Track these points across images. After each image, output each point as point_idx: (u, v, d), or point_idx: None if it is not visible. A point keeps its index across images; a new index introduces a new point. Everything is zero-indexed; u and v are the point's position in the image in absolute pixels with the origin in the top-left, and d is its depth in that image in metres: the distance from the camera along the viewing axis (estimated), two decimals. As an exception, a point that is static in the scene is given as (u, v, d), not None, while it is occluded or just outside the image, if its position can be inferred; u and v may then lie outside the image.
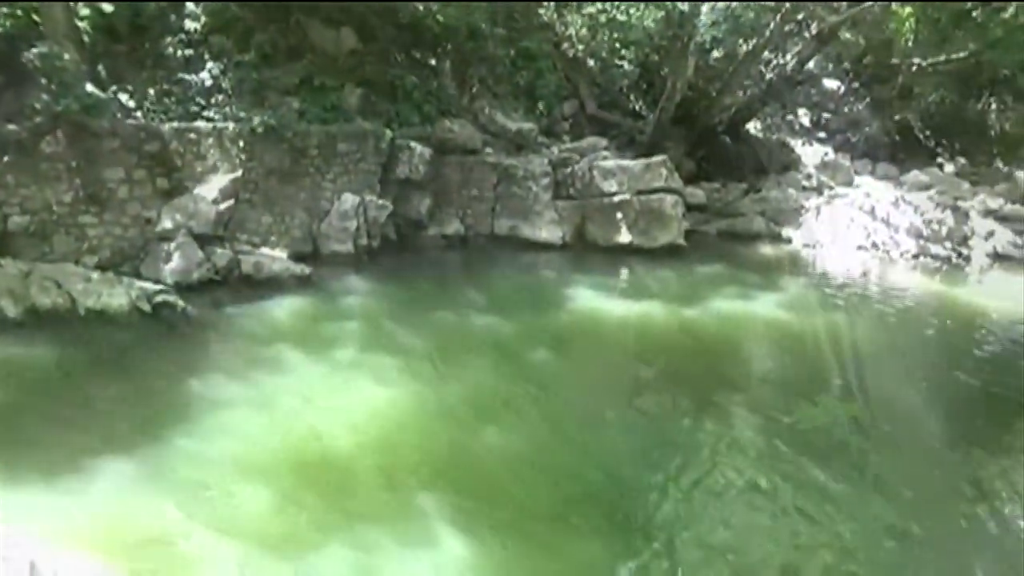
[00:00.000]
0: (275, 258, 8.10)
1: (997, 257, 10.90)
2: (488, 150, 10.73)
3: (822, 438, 5.35)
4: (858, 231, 11.26)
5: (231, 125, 8.47)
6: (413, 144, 9.65)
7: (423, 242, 9.86)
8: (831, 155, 16.60)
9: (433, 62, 11.33)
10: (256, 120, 8.42)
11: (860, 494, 4.50)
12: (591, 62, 14.61)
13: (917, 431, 5.63)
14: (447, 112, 10.68)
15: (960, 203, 12.24)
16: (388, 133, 9.51)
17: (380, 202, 9.15)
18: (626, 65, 14.88)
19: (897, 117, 17.85)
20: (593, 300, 8.05)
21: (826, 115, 19.84)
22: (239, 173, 8.37)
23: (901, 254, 10.86)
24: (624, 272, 9.40)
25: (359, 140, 9.21)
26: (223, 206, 8.13)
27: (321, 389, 5.57)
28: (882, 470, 4.91)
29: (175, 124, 8.22)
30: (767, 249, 11.09)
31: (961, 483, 4.78)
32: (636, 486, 4.48)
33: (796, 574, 3.84)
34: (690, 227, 10.78)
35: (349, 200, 8.90)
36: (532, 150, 11.07)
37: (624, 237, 10.04)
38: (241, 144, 8.38)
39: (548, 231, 10.17)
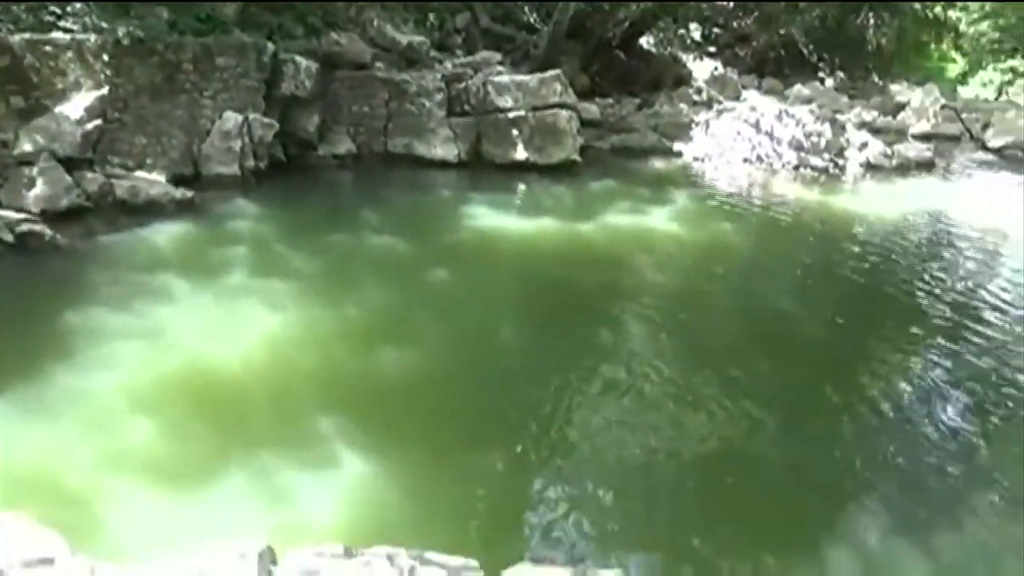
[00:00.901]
0: (152, 182, 7.64)
1: (869, 167, 11.54)
2: (379, 65, 10.34)
3: (711, 340, 5.65)
4: (744, 144, 11.62)
5: (92, 37, 7.76)
6: (298, 58, 9.16)
7: (314, 162, 9.51)
8: (720, 70, 16.94)
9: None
10: (121, 31, 7.74)
11: (743, 393, 4.79)
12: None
13: (801, 329, 6.04)
14: (334, 24, 10.17)
15: (838, 116, 12.82)
16: (270, 46, 8.97)
17: (265, 120, 8.70)
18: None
19: (783, 32, 18.29)
20: (490, 218, 8.05)
21: (716, 30, 20.12)
22: (105, 90, 7.74)
23: (783, 165, 11.33)
24: (520, 189, 9.42)
25: (239, 54, 8.66)
26: (89, 126, 7.54)
27: (210, 317, 5.38)
28: (765, 370, 5.23)
29: (27, 35, 7.46)
30: (659, 163, 11.32)
31: (841, 376, 5.17)
32: (533, 397, 4.61)
33: (684, 464, 4.08)
34: (584, 143, 10.83)
35: (231, 119, 8.42)
36: (424, 65, 10.75)
37: (520, 154, 10.00)
38: (106, 58, 7.72)
39: (443, 149, 10.00)
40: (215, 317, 5.39)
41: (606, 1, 13.69)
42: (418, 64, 10.71)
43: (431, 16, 12.26)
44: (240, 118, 8.45)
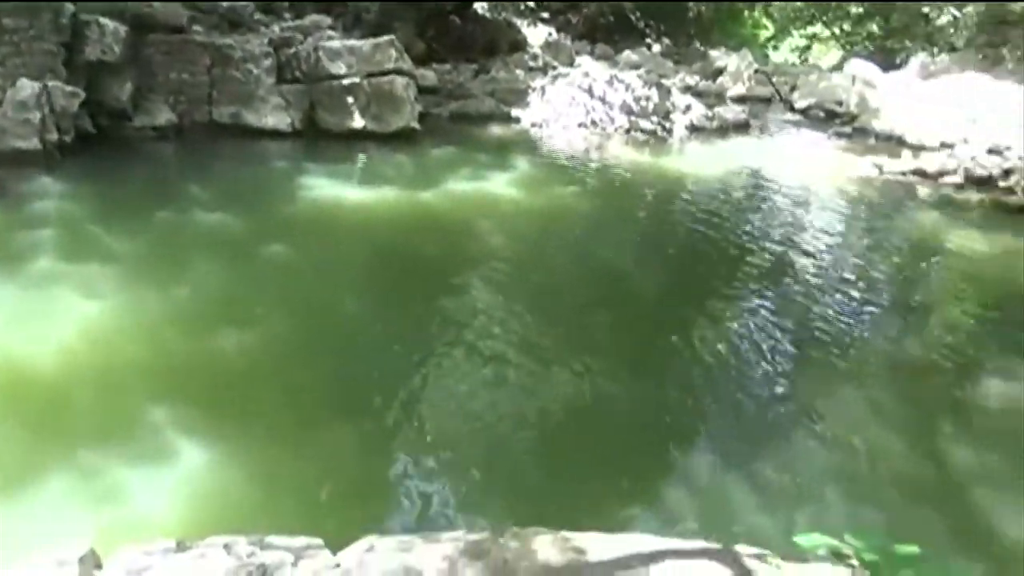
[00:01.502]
0: (-66, 161, 6.74)
1: (693, 129, 12.22)
2: (197, 28, 9.63)
3: (555, 300, 5.81)
4: (579, 109, 11.94)
5: None
6: (103, 20, 8.33)
7: (129, 134, 8.74)
8: (554, 36, 17.24)
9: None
10: None
11: (587, 348, 4.98)
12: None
13: (638, 284, 6.35)
14: (141, -17, 9.32)
15: (664, 81, 13.44)
16: (69, 7, 8.10)
17: (68, 89, 7.87)
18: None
19: (611, -1, 18.86)
20: (328, 189, 7.78)
21: (548, -5, 20.39)
22: None
23: (616, 129, 11.76)
24: (359, 158, 9.17)
25: (31, 14, 7.76)
26: None
27: (17, 308, 4.86)
28: (607, 324, 5.45)
29: None
30: (497, 129, 11.40)
31: (677, 325, 5.48)
32: (381, 369, 4.55)
33: (530, 422, 4.18)
34: (423, 110, 10.69)
35: (27, 87, 7.55)
36: (249, 29, 10.15)
37: (357, 122, 9.72)
38: None
39: (275, 118, 9.52)
40: (23, 308, 4.87)
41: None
42: (242, 28, 10.10)
43: (254, -24, 11.54)
44: (38, 86, 7.60)
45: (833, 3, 20.04)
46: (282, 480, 3.55)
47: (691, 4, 21.42)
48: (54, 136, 7.70)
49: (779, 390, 4.72)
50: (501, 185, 8.47)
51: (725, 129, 12.51)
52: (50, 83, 7.75)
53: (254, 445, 3.77)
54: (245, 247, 6.17)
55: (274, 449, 3.76)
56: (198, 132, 9.22)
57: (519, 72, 13.47)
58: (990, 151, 10.21)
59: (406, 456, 3.81)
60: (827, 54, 21.91)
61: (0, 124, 7.47)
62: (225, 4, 10.11)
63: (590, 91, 12.13)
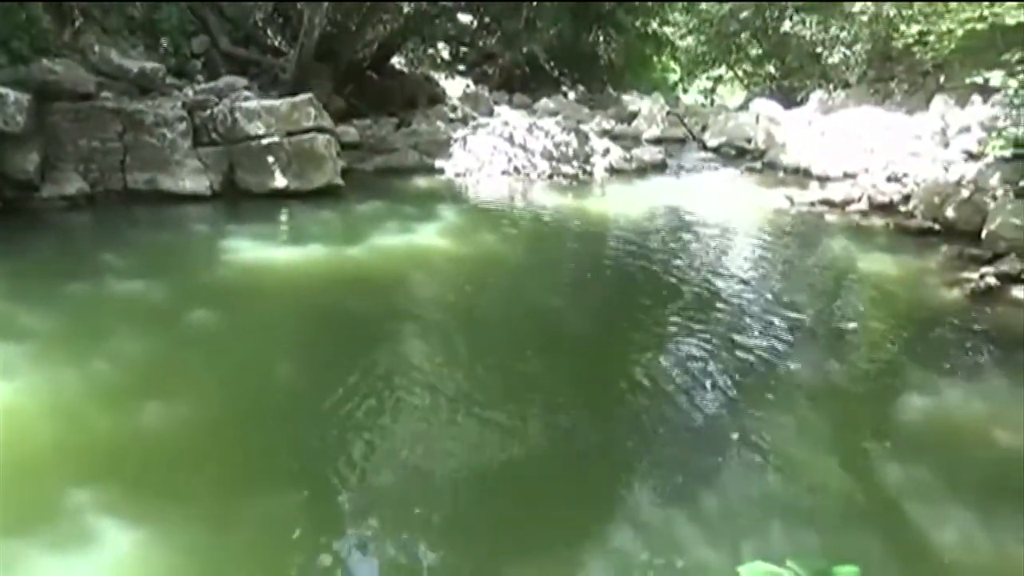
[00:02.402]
0: None
1: (613, 171, 12.59)
2: (106, 94, 9.42)
3: (489, 347, 5.81)
4: (501, 157, 12.14)
5: None
6: (3, 90, 8.05)
7: (38, 205, 8.41)
8: (472, 87, 17.59)
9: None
10: None
11: (524, 393, 4.99)
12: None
13: (570, 325, 6.42)
14: (45, 50, 9.09)
15: (582, 126, 13.85)
16: (-33, 78, 7.83)
17: (-31, 163, 7.57)
18: (257, -2, 14.03)
19: (525, 50, 19.41)
20: (253, 250, 7.63)
21: (464, 49, 20.86)
22: None
23: (538, 175, 11.99)
24: (283, 218, 9.06)
25: (-75, 88, 7.45)
26: None
27: (-82, 395, 4.56)
28: (541, 368, 5.48)
29: None
30: (422, 181, 11.47)
31: (609, 363, 5.56)
32: (318, 431, 4.43)
33: (472, 471, 4.13)
34: (346, 166, 10.69)
35: (-76, 163, 7.22)
36: (161, 92, 9.99)
37: (279, 182, 9.62)
38: None
39: (193, 181, 9.33)
40: (-75, 395, 4.57)
41: (351, 23, 13.62)
42: (153, 92, 9.93)
43: (163, 41, 11.40)
44: (-64, 162, 7.28)
45: (733, 45, 21.09)
46: (219, 551, 3.40)
47: (601, 52, 22.22)
48: (-45, 211, 7.35)
49: (714, 420, 4.81)
50: (429, 236, 8.49)
51: (644, 169, 12.93)
52: (-51, 157, 7.42)
53: (184, 523, 3.59)
54: (167, 315, 5.96)
55: (205, 525, 3.59)
56: (112, 200, 8.95)
57: (440, 124, 13.65)
58: (889, 179, 10.85)
59: (346, 522, 3.70)
60: (733, 95, 22.98)
61: None
62: (135, 69, 9.93)
63: (511, 139, 12.37)
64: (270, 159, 9.60)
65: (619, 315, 6.78)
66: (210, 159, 9.50)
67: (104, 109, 9.06)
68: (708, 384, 5.22)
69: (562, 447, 4.48)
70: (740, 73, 22.31)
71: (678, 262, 8.02)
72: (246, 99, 9.99)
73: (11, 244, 7.31)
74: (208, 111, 9.64)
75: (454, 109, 15.19)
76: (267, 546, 3.49)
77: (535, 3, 17.16)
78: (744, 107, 18.69)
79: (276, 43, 14.32)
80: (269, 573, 3.34)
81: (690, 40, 22.23)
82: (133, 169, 9.14)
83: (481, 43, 20.24)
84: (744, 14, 19.51)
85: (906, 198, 10.00)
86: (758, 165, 13.53)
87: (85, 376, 4.89)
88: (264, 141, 9.57)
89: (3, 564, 3.24)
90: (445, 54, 20.16)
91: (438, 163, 12.09)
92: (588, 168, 12.41)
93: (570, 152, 12.43)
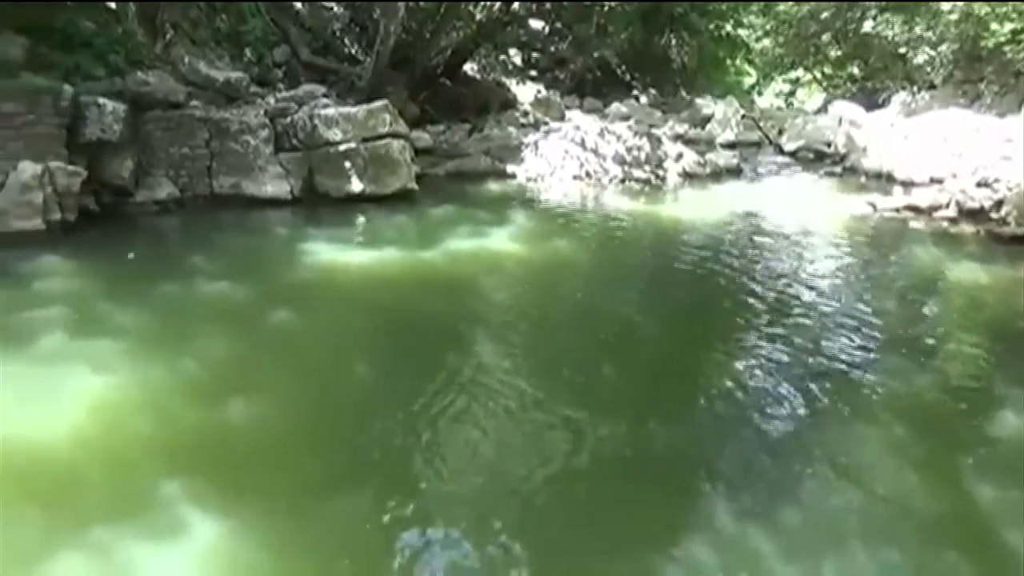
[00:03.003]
0: (-60, 245, 6.81)
1: (687, 176, 12.41)
2: (195, 103, 9.83)
3: (560, 353, 5.80)
4: (572, 162, 12.13)
5: None
6: (102, 100, 8.52)
7: (132, 210, 8.86)
8: (543, 92, 17.61)
9: (113, 5, 10.02)
10: None
11: (595, 401, 4.96)
12: (298, 4, 13.93)
13: (642, 332, 6.35)
14: (139, 63, 9.56)
15: (654, 130, 13.71)
16: (68, 89, 8.29)
17: (70, 168, 8.00)
18: (335, 7, 14.40)
19: (596, 55, 19.33)
20: (330, 253, 7.84)
21: (535, 54, 20.93)
22: None
23: (610, 180, 11.93)
24: (359, 221, 9.27)
25: (30, 99, 7.93)
26: None
27: (25, 388, 4.83)
28: (613, 376, 5.44)
29: None
30: (494, 186, 11.56)
31: (682, 373, 5.48)
32: (391, 431, 4.52)
33: (546, 477, 4.13)
34: (420, 171, 10.87)
35: (28, 169, 7.67)
36: (245, 101, 10.36)
37: (356, 186, 9.86)
38: None
39: (275, 186, 9.66)
40: (31, 387, 4.84)
41: (426, 30, 13.85)
42: (238, 101, 10.31)
43: (247, 51, 11.84)
44: (39, 168, 7.72)
45: (813, 47, 20.53)
46: (301, 546, 3.50)
47: (674, 55, 21.92)
48: (57, 216, 7.80)
49: (792, 433, 4.68)
50: (501, 240, 8.55)
51: (718, 174, 12.71)
52: (52, 164, 7.88)
53: (271, 512, 3.72)
54: (250, 315, 6.19)
55: (291, 515, 3.71)
56: (199, 204, 9.35)
57: (511, 129, 13.73)
58: (979, 184, 10.35)
59: (422, 519, 3.75)
60: (811, 97, 22.37)
61: (2, 206, 7.57)
62: (221, 78, 10.34)
63: (582, 144, 12.35)
64: (347, 164, 9.85)
65: (694, 322, 6.67)
66: (291, 164, 9.81)
67: (193, 117, 9.48)
68: (787, 394, 5.07)
69: (635, 452, 4.43)
70: (819, 75, 21.69)
71: (754, 269, 7.84)
72: (325, 106, 10.28)
73: (107, 247, 7.71)
74: (289, 118, 9.96)
75: (525, 114, 15.24)
76: (346, 541, 3.57)
77: (606, 8, 17.10)
78: (823, 110, 18.17)
79: (353, 52, 14.66)
80: (349, 567, 3.42)
81: (767, 42, 21.76)
82: (219, 174, 9.54)
83: (552, 48, 20.27)
84: (824, 15, 18.97)
85: (998, 204, 9.53)
86: (838, 169, 13.13)
87: (174, 373, 5.12)
88: (342, 147, 9.83)
89: (101, 550, 3.42)
90: (517, 60, 20.25)
91: (510, 168, 12.16)
92: (661, 173, 12.27)
93: (642, 156, 12.32)
